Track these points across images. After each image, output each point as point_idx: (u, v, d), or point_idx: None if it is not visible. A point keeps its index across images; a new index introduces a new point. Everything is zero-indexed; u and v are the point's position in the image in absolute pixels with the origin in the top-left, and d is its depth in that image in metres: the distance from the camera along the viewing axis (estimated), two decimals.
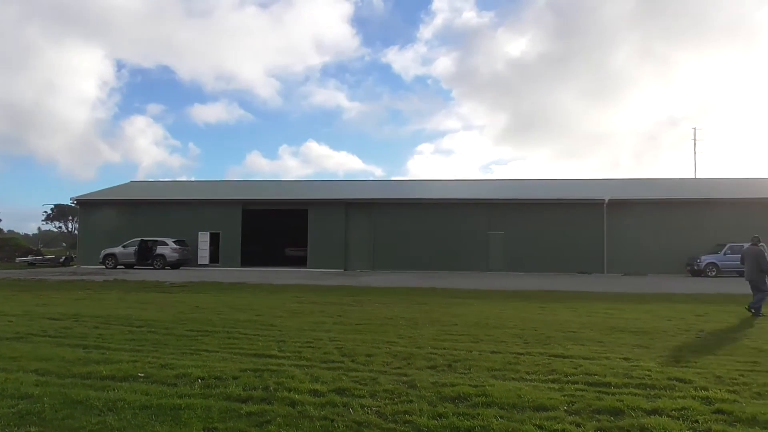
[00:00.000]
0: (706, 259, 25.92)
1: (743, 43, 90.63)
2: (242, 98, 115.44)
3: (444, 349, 7.28)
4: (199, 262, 31.01)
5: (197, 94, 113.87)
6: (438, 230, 30.12)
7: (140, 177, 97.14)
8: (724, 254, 25.80)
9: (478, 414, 4.55)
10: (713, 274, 25.33)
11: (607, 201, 29.00)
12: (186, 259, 29.69)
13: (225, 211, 32.03)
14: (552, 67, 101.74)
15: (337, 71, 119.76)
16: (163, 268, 28.04)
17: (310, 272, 27.36)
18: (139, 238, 29.05)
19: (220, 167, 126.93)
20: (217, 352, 6.96)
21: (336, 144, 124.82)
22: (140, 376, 5.64)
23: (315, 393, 5.13)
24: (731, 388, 5.41)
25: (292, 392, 5.11)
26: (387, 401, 4.91)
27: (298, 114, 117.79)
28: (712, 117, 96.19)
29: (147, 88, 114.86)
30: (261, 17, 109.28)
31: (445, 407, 4.74)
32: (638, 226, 28.86)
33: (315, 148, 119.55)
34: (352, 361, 6.52)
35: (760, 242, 11.85)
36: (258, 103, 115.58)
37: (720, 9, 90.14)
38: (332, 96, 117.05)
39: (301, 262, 32.38)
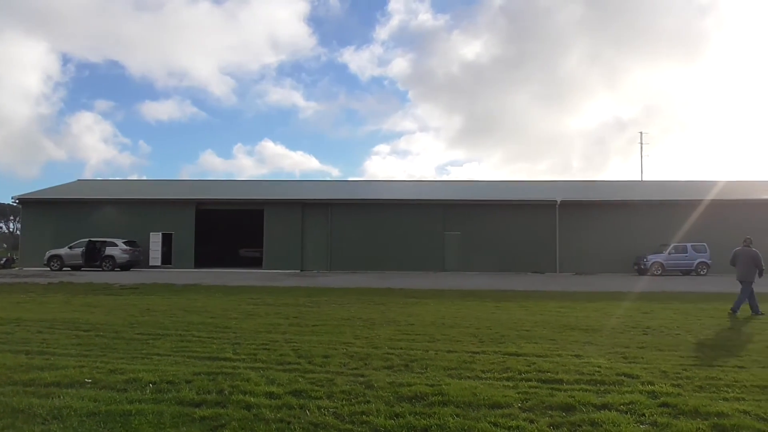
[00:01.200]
0: (652, 258, 26.92)
1: (684, 51, 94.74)
2: (195, 96, 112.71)
3: (401, 349, 7.31)
4: (150, 264, 30.17)
5: (148, 90, 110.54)
6: (395, 231, 30.26)
7: (88, 176, 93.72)
8: (669, 254, 26.88)
9: (435, 413, 4.59)
10: (659, 273, 26.32)
11: (559, 202, 29.75)
12: (137, 261, 28.83)
13: (178, 211, 31.26)
14: (505, 71, 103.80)
15: (292, 70, 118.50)
16: (112, 270, 27.15)
17: (266, 273, 27.02)
18: (87, 239, 28.02)
19: (172, 166, 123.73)
20: (170, 355, 6.79)
21: (292, 144, 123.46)
22: (87, 382, 5.44)
23: (271, 395, 5.07)
24: (675, 382, 5.64)
25: (247, 395, 5.03)
26: (344, 402, 4.90)
27: (253, 113, 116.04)
28: (658, 122, 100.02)
29: (94, 83, 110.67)
30: (214, 13, 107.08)
31: (402, 407, 4.77)
32: (589, 227, 29.74)
33: (270, 147, 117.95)
34: (309, 362, 6.47)
35: (751, 243, 12.04)
36: (212, 101, 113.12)
37: (663, 19, 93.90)
38: (288, 95, 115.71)
39: (256, 263, 31.94)
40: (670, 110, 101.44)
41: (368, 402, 4.90)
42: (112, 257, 27.76)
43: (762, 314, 11.29)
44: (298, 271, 29.43)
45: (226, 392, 5.13)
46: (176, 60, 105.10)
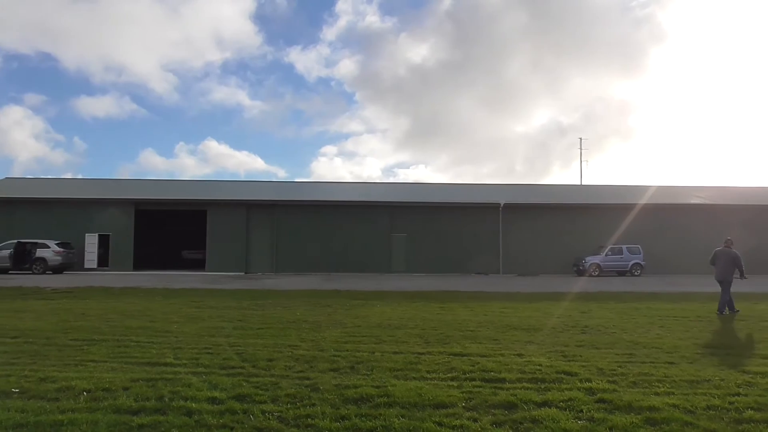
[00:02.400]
0: (590, 260, 27.94)
1: (621, 61, 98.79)
2: (135, 92, 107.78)
3: (347, 351, 7.30)
4: (86, 266, 28.95)
5: (83, 85, 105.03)
6: (342, 232, 30.21)
7: (17, 173, 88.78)
8: (606, 255, 27.97)
9: (380, 414, 4.61)
10: (596, 273, 27.35)
11: (502, 205, 30.47)
12: (71, 263, 27.57)
13: (116, 211, 30.15)
14: (451, 75, 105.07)
15: (238, 68, 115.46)
16: (43, 273, 25.83)
17: (209, 275, 26.41)
18: (16, 240, 26.58)
19: (110, 165, 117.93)
20: (106, 362, 6.53)
21: (237, 143, 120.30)
22: (14, 392, 5.16)
23: (213, 401, 4.95)
24: (611, 379, 5.87)
25: (188, 401, 4.90)
26: (289, 406, 4.84)
27: (197, 111, 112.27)
28: (596, 128, 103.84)
29: (25, 76, 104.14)
30: (155, 7, 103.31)
31: (348, 409, 4.76)
32: (531, 230, 30.58)
33: (214, 146, 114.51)
34: (253, 366, 6.37)
35: (732, 244, 12.32)
36: (152, 98, 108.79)
37: (601, 30, 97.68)
38: (233, 94, 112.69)
39: (199, 265, 31.16)
40: (608, 118, 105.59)
41: (313, 405, 4.87)
42: (43, 259, 26.42)
43: (724, 314, 11.62)
44: (243, 273, 28.92)
45: (166, 398, 4.98)
46: (114, 54, 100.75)
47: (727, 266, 12.09)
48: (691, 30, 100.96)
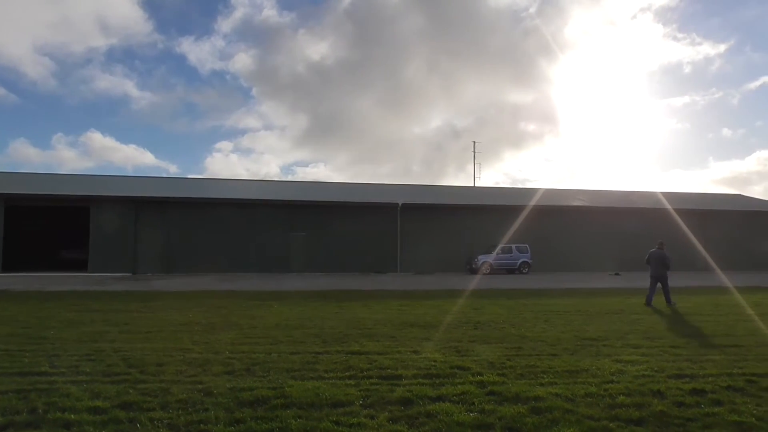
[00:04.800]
0: (482, 258, 29.21)
1: (512, 68, 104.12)
2: (3, 76, 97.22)
3: (242, 353, 7.11)
4: None
5: None
6: (239, 231, 29.36)
7: None
8: (497, 254, 29.39)
9: (277, 416, 4.54)
10: (488, 271, 28.63)
11: (400, 205, 31.08)
12: None
13: None
14: (350, 74, 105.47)
15: (125, 56, 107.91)
16: None
17: (92, 276, 24.64)
18: None
19: None
20: None
21: (123, 136, 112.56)
22: None
23: (95, 411, 4.63)
24: (501, 372, 6.18)
25: (66, 412, 4.54)
26: (180, 412, 4.63)
27: (78, 100, 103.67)
28: (488, 132, 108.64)
29: None
30: None
31: (243, 412, 4.64)
32: (427, 229, 31.46)
33: (98, 139, 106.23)
34: (141, 372, 6.02)
35: (664, 246, 13.81)
36: (25, 84, 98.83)
37: (492, 37, 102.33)
38: (119, 83, 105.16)
39: (80, 265, 28.95)
40: (500, 123, 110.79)
41: (206, 410, 4.69)
42: None
43: (651, 306, 12.80)
44: (131, 274, 27.27)
45: (40, 411, 4.58)
46: None
47: (659, 265, 13.56)
48: (577, 43, 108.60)
